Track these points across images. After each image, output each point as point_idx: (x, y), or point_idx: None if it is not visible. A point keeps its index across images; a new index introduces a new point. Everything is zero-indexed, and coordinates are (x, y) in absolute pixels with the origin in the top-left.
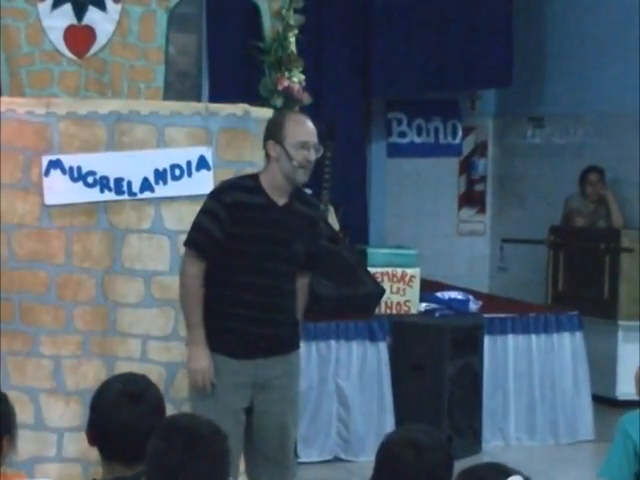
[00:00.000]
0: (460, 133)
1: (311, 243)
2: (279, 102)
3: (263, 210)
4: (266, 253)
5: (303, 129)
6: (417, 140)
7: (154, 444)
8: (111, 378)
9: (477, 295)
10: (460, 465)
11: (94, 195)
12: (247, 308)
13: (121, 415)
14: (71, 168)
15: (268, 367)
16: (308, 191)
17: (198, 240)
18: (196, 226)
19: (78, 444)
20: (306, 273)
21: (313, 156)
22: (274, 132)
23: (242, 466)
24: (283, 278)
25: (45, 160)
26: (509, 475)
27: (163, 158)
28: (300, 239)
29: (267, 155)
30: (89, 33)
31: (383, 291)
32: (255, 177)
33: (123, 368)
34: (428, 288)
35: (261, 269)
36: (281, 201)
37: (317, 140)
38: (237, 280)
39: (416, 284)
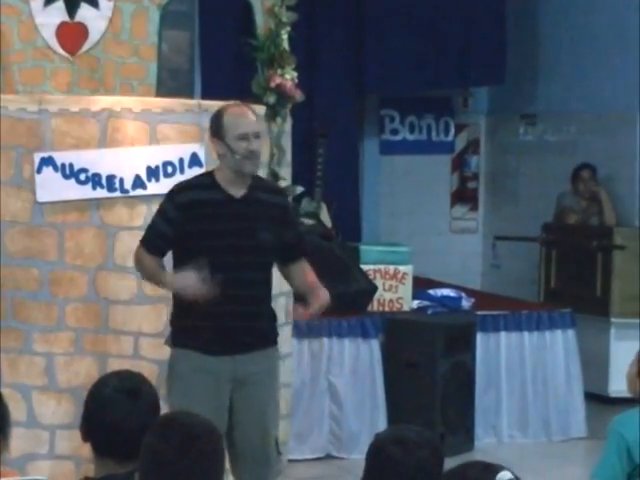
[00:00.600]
0: (452, 130)
1: (285, 231)
2: (272, 99)
3: (220, 205)
4: (230, 246)
5: (240, 121)
6: (410, 137)
7: (149, 441)
8: (107, 375)
9: (470, 292)
10: (453, 462)
11: (86, 192)
12: (218, 303)
13: (116, 411)
14: (63, 165)
15: (247, 363)
16: (300, 188)
17: (149, 239)
18: (150, 225)
19: (70, 441)
20: (295, 262)
21: (255, 145)
22: (215, 129)
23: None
24: (252, 269)
25: (37, 157)
26: (495, 472)
27: (155, 155)
28: (266, 228)
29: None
30: (81, 30)
31: (375, 288)
32: (211, 174)
33: (115, 365)
34: (421, 285)
35: (227, 263)
36: (239, 193)
37: (259, 129)
38: (205, 275)
39: (408, 281)
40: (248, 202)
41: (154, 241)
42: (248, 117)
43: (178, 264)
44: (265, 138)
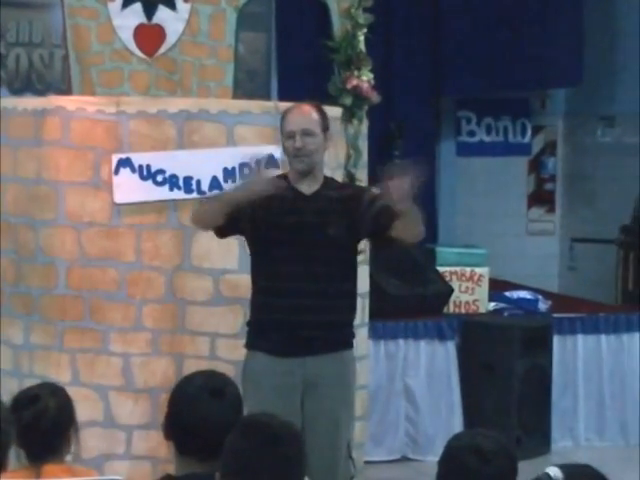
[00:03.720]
0: (529, 132)
1: (358, 213)
2: (348, 101)
3: (289, 201)
4: (298, 240)
5: (288, 119)
6: (486, 139)
7: (232, 441)
8: (191, 374)
9: (546, 295)
10: (529, 465)
11: (163, 193)
12: (286, 296)
13: (200, 410)
14: (140, 166)
15: (317, 366)
16: (377, 190)
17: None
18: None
19: (147, 442)
20: (389, 228)
21: (300, 143)
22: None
23: None
24: (323, 264)
25: (115, 158)
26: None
27: (232, 157)
28: (337, 222)
29: None
30: (159, 32)
31: (452, 290)
32: (284, 176)
33: (192, 366)
34: (497, 287)
35: (296, 256)
36: (309, 190)
37: (308, 126)
38: (274, 270)
39: (485, 283)
40: (318, 198)
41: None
42: (298, 115)
43: (253, 256)
44: (341, 140)
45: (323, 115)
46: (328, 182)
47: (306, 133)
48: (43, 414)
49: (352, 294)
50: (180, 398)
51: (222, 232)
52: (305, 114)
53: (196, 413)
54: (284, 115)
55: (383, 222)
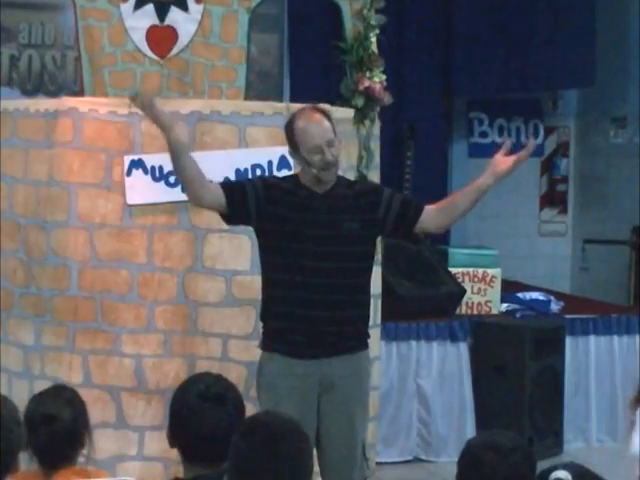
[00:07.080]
0: (542, 133)
1: (388, 207)
2: (360, 102)
3: (305, 198)
4: (313, 237)
5: (311, 133)
6: (498, 140)
7: (235, 443)
8: (190, 380)
9: (558, 296)
10: (541, 466)
11: (175, 195)
12: (302, 290)
13: (204, 419)
14: (153, 168)
15: (334, 367)
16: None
17: (231, 183)
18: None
19: (159, 443)
20: (422, 213)
21: (329, 156)
22: (289, 142)
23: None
24: (338, 259)
25: (127, 160)
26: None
27: (244, 158)
28: (352, 218)
29: None
30: (171, 33)
31: (464, 291)
32: (295, 176)
33: (204, 367)
34: (509, 288)
35: (312, 252)
36: (322, 189)
37: (330, 136)
38: (290, 263)
39: (497, 284)
40: (332, 196)
41: (230, 183)
42: (318, 126)
43: (265, 253)
44: (353, 141)
45: (330, 119)
46: (339, 180)
47: (330, 144)
48: (59, 432)
49: (363, 292)
50: (182, 408)
51: (228, 219)
52: (322, 125)
53: (200, 424)
54: (302, 129)
55: (408, 219)
